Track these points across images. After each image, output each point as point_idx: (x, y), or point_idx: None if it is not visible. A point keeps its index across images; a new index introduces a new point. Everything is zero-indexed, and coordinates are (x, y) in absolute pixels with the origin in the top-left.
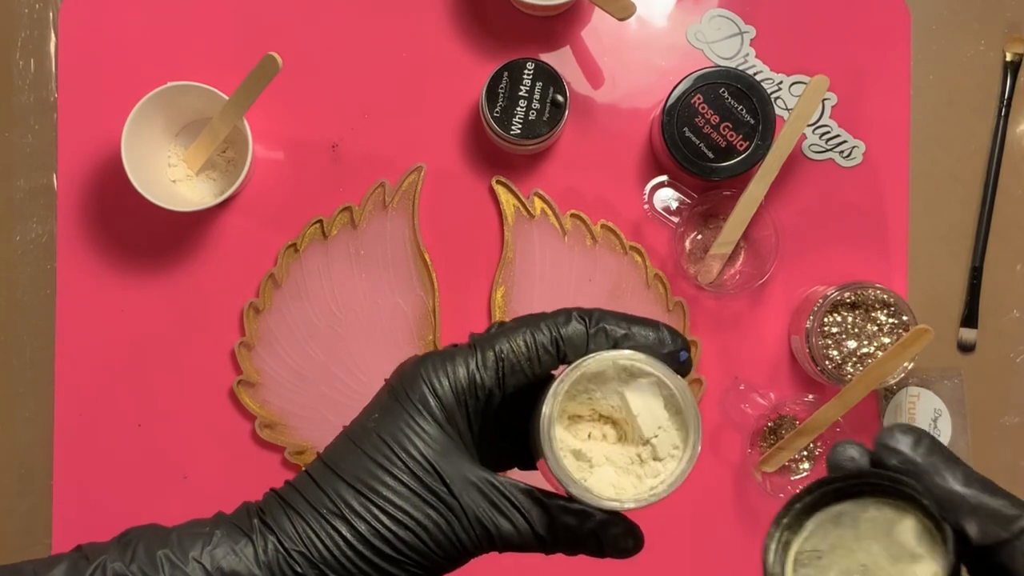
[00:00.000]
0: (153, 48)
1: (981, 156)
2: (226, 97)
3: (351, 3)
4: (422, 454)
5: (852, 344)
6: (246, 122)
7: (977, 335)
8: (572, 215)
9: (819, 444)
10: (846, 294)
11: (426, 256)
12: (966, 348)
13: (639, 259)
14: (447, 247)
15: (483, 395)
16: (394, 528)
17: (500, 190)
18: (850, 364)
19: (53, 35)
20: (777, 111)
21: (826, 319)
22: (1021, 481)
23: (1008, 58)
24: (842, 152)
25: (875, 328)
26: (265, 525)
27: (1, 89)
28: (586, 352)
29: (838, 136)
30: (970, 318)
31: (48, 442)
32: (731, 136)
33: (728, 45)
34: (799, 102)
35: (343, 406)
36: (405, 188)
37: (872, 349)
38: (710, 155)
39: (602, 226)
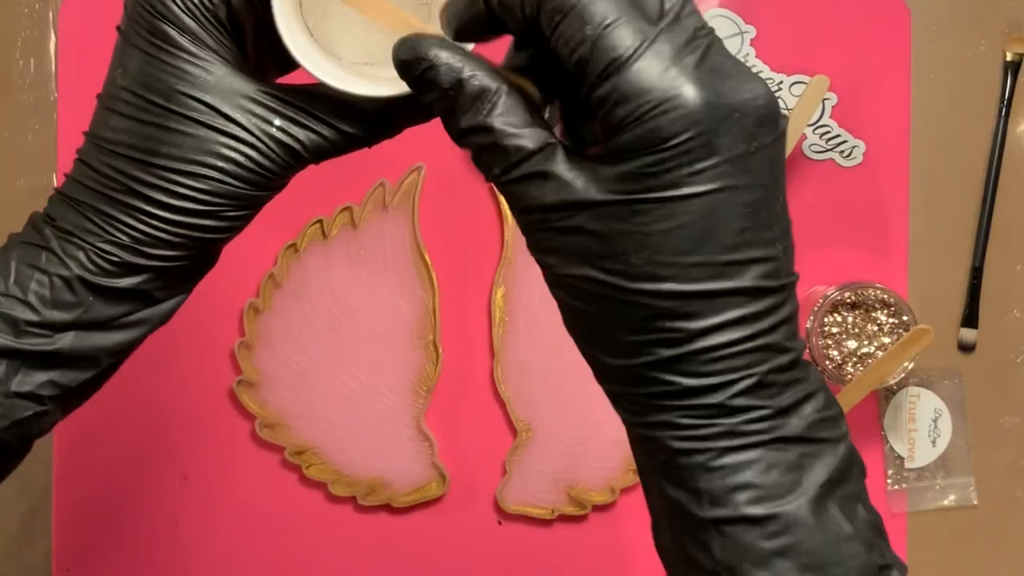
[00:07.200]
0: None
1: (981, 156)
2: None
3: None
4: (184, 93)
5: (852, 344)
6: None
7: (977, 335)
8: None
9: None
10: (846, 294)
11: (426, 256)
12: (966, 348)
13: None
14: (447, 247)
15: (220, 0)
16: (192, 183)
17: None
18: (850, 364)
19: (53, 35)
20: None
21: (826, 319)
22: (1021, 481)
23: (1008, 58)
24: (842, 152)
25: (875, 328)
26: (60, 230)
27: (1, 89)
28: None
29: (838, 136)
30: (970, 318)
31: (47, 442)
32: None
33: (728, 45)
34: (799, 102)
35: (343, 406)
36: (405, 188)
37: (872, 349)
38: None
39: None
